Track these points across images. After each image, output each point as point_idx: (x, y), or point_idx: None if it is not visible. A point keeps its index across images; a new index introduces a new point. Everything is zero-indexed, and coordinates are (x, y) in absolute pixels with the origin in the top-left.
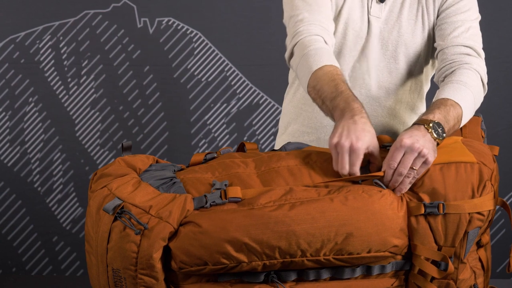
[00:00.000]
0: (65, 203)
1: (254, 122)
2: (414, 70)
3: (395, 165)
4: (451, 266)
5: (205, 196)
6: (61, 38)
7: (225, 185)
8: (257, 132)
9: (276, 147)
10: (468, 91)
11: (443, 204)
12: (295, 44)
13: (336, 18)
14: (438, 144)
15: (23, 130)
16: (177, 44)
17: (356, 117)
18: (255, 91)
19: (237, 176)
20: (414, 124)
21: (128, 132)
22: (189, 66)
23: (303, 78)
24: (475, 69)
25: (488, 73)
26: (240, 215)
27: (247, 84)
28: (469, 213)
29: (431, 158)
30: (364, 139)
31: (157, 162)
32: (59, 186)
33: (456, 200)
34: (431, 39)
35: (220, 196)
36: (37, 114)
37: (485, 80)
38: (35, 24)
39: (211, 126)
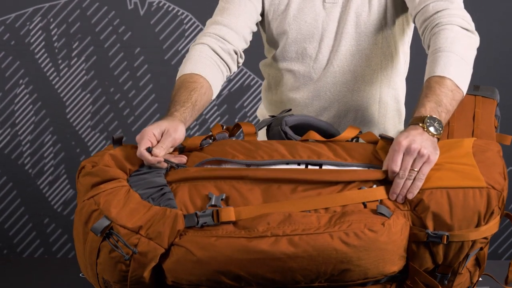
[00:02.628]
0: (56, 185)
1: (245, 104)
2: (379, 48)
3: (397, 169)
4: None
5: (196, 214)
6: (51, 19)
7: (222, 199)
8: (248, 114)
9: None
10: (448, 53)
11: (447, 236)
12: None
13: (285, 16)
14: (438, 139)
15: (14, 112)
16: (168, 26)
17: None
18: (246, 72)
19: (238, 187)
20: (410, 124)
21: (119, 114)
22: (180, 48)
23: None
24: (447, 23)
25: (478, 55)
26: (236, 249)
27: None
28: (472, 240)
29: (433, 156)
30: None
31: None
32: (50, 168)
33: (461, 229)
34: (391, 9)
35: (212, 217)
36: (27, 96)
37: (468, 25)
38: (25, 5)
39: None
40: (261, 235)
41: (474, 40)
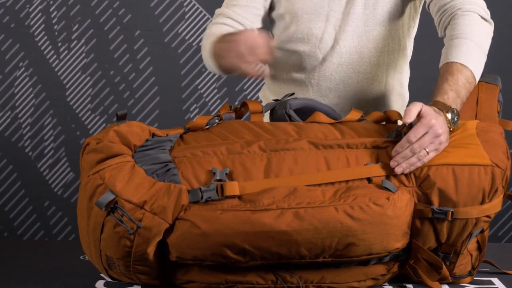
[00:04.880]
0: (56, 168)
1: (245, 87)
2: (387, 30)
3: (414, 140)
4: (445, 271)
5: (200, 189)
6: (51, 2)
7: (226, 174)
8: (248, 97)
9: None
10: (470, 42)
11: (452, 212)
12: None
13: None
14: (450, 130)
15: (14, 95)
16: (168, 8)
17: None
18: None
19: (240, 161)
20: (435, 106)
21: (119, 97)
22: (180, 31)
23: (208, 59)
24: (468, 10)
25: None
26: (241, 221)
27: None
28: (476, 217)
29: (443, 146)
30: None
31: (153, 134)
32: (50, 151)
33: (465, 206)
34: None
35: (216, 191)
36: (27, 79)
37: (486, 15)
38: None
39: (202, 91)
40: (266, 208)
41: (490, 30)
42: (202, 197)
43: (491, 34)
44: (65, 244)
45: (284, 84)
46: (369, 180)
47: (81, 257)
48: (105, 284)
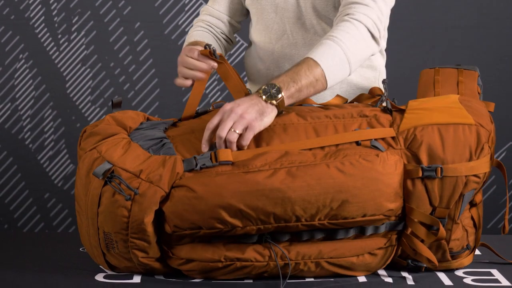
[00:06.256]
0: (56, 160)
1: (246, 79)
2: (321, 17)
3: (211, 127)
4: (442, 231)
5: (194, 158)
6: None
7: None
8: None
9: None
10: (335, 46)
11: (441, 168)
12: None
13: None
14: (278, 106)
15: (14, 87)
16: (168, 0)
17: None
18: (246, 47)
19: None
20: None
21: (119, 89)
22: (180, 23)
23: None
24: (356, 20)
25: (478, 30)
26: (235, 181)
27: (238, 40)
28: (465, 176)
29: (256, 122)
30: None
31: (147, 119)
32: (50, 143)
33: (454, 163)
34: None
35: (210, 159)
36: (27, 70)
37: (375, 31)
38: None
39: None
40: (259, 169)
41: (370, 49)
42: (196, 164)
43: (370, 52)
44: (65, 236)
45: (251, 76)
46: (357, 144)
47: (81, 249)
48: (105, 277)
